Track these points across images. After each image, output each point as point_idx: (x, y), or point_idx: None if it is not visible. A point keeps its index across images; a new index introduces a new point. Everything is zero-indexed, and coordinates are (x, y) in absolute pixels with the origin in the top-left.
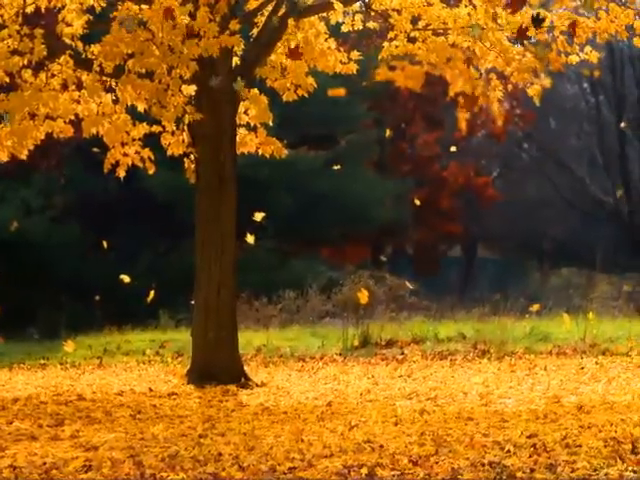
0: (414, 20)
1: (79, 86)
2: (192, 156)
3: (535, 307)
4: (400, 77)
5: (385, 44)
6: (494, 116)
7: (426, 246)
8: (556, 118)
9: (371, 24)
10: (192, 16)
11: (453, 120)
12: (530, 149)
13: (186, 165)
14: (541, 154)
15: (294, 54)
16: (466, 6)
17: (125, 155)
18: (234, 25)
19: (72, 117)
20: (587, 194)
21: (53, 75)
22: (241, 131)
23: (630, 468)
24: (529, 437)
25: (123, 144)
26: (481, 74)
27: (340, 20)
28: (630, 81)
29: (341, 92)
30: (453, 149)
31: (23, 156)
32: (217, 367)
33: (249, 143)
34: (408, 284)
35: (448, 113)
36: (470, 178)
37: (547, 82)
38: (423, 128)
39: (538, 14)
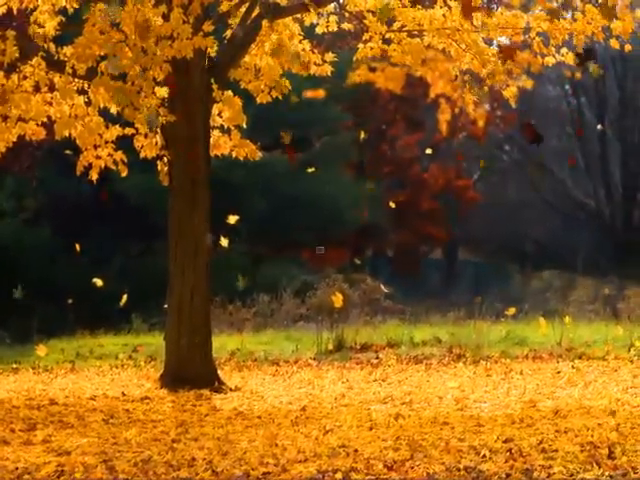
0: (389, 22)
1: (51, 88)
2: (165, 159)
3: (511, 310)
4: (380, 78)
5: (360, 46)
6: (473, 118)
7: (407, 248)
8: (537, 120)
9: (346, 25)
10: (165, 17)
11: (434, 122)
12: (511, 151)
13: (159, 168)
14: (522, 156)
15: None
16: (441, 7)
17: (98, 157)
18: (207, 26)
19: (44, 119)
20: (568, 196)
21: (25, 77)
22: (215, 133)
23: (607, 473)
24: (505, 442)
25: (96, 146)
26: (456, 76)
27: (315, 21)
28: (611, 82)
29: (320, 93)
30: (429, 151)
31: None
32: (190, 371)
33: (223, 145)
34: (383, 287)
35: (429, 115)
36: (451, 180)
37: (528, 83)
38: (404, 130)
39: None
